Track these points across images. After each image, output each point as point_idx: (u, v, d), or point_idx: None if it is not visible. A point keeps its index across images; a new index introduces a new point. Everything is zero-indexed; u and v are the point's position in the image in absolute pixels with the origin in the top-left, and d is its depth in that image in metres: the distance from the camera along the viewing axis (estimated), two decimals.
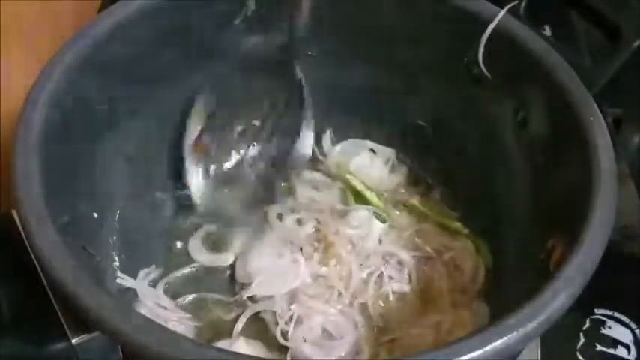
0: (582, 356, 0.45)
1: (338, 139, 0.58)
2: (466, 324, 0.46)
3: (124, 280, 0.47)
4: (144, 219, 0.51)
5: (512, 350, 0.32)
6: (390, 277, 0.49)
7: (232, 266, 0.51)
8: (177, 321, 0.47)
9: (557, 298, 0.33)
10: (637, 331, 0.46)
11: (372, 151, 0.58)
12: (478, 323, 0.46)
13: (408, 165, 0.57)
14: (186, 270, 0.51)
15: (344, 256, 0.49)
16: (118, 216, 0.49)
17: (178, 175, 0.53)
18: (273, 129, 0.54)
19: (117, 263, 0.48)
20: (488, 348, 0.31)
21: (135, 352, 0.31)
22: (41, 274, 0.36)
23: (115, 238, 0.48)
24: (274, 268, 0.49)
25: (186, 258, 0.51)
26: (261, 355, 0.44)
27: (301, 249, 0.50)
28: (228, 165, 0.55)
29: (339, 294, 0.48)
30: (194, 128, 0.52)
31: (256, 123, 0.55)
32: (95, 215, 0.45)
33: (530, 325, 0.32)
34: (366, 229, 0.51)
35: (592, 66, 0.46)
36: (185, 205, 0.53)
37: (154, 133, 0.51)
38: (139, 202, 0.51)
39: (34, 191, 0.35)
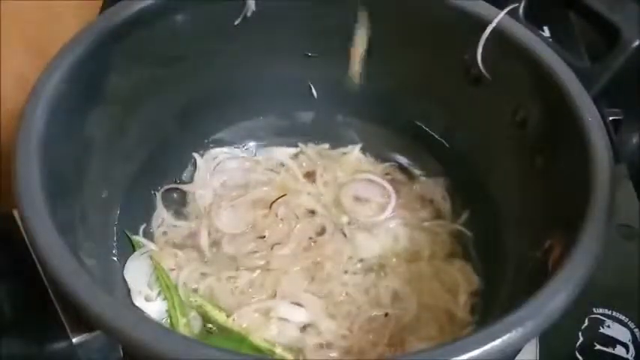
0: (581, 355, 0.45)
1: (337, 139, 0.58)
2: None
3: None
4: (144, 217, 0.52)
5: (512, 349, 0.32)
6: None
7: None
8: None
9: (556, 297, 0.33)
10: (636, 330, 0.46)
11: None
12: None
13: (405, 165, 0.57)
14: None
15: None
16: (118, 213, 0.49)
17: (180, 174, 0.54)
18: None
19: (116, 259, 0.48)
20: (487, 347, 0.31)
21: (135, 351, 0.31)
22: (42, 273, 0.36)
23: (115, 236, 0.48)
24: None
25: None
26: None
27: None
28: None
29: None
30: None
31: None
32: (95, 214, 0.45)
33: (530, 325, 0.32)
34: None
35: (591, 66, 0.46)
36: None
37: (155, 132, 0.51)
38: (139, 200, 0.51)
39: (35, 191, 0.35)
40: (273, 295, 0.48)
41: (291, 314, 0.47)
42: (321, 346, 0.46)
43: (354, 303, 0.48)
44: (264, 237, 0.51)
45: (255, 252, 0.50)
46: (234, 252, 0.50)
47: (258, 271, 0.49)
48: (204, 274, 0.49)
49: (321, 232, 0.52)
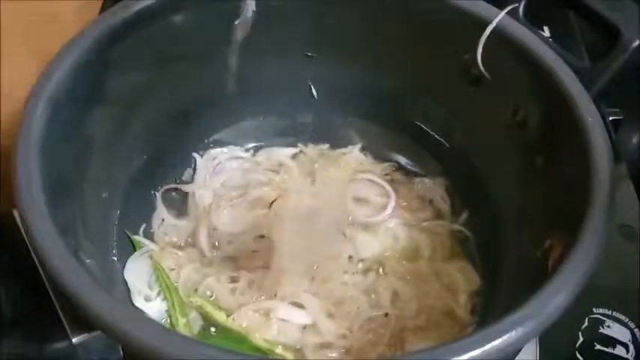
0: (581, 355, 0.45)
1: (337, 139, 0.58)
2: None
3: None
4: (144, 217, 0.52)
5: (512, 349, 0.32)
6: None
7: None
8: None
9: (556, 297, 0.33)
10: (636, 330, 0.46)
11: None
12: None
13: (405, 165, 0.57)
14: None
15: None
16: (118, 213, 0.49)
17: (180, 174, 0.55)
18: None
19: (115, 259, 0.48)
20: (487, 347, 0.31)
21: (135, 351, 0.31)
22: (42, 273, 0.36)
23: (115, 236, 0.48)
24: None
25: None
26: None
27: None
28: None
29: None
30: None
31: None
32: (95, 214, 0.45)
33: (530, 325, 0.32)
34: None
35: (591, 67, 0.46)
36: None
37: (155, 132, 0.51)
38: (139, 200, 0.51)
39: (35, 191, 0.35)
40: (273, 295, 0.48)
41: (291, 315, 0.47)
42: (321, 346, 0.46)
43: (354, 303, 0.48)
44: (264, 237, 0.51)
45: (255, 252, 0.50)
46: (234, 252, 0.50)
47: (258, 271, 0.49)
48: (204, 274, 0.49)
49: (321, 232, 0.52)
